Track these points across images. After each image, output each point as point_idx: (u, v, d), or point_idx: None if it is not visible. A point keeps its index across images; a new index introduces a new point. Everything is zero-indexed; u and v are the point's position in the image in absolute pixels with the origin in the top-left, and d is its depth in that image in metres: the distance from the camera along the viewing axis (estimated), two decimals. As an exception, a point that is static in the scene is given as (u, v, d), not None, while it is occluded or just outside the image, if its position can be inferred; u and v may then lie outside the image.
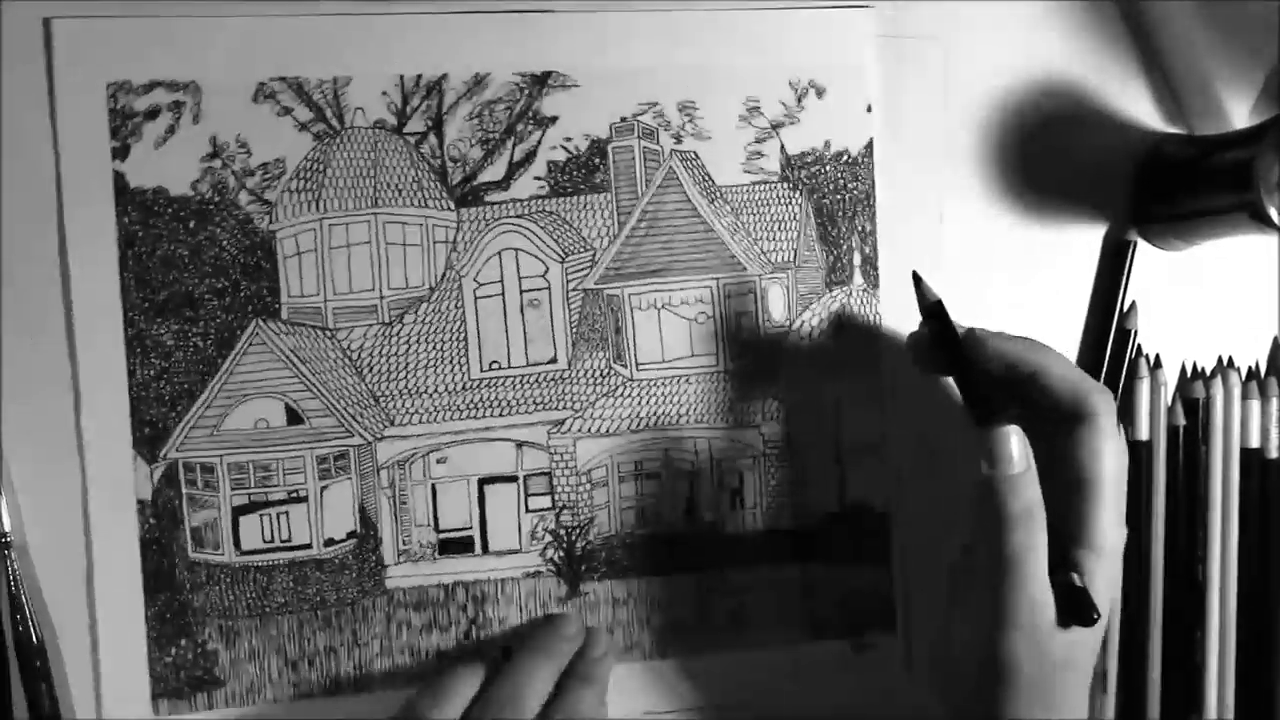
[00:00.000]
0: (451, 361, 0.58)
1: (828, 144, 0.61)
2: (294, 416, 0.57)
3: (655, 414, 0.60)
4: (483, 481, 0.59)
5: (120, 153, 0.55)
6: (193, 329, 0.56)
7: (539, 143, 0.58)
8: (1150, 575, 0.64)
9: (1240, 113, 0.63)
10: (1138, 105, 0.64)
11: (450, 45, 0.57)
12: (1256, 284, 0.66)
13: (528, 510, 0.59)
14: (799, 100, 0.60)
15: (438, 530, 0.58)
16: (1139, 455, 0.63)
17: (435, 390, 0.58)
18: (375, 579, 0.58)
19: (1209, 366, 0.66)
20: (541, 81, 0.58)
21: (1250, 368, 0.66)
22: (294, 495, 0.57)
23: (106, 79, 0.54)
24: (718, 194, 0.60)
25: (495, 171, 0.58)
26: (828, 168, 0.61)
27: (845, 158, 0.61)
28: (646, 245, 0.59)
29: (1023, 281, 0.64)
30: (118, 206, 0.55)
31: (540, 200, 0.58)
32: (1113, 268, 0.64)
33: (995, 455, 0.51)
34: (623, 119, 0.59)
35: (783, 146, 0.60)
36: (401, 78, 0.57)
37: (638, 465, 0.60)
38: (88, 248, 0.55)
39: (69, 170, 0.54)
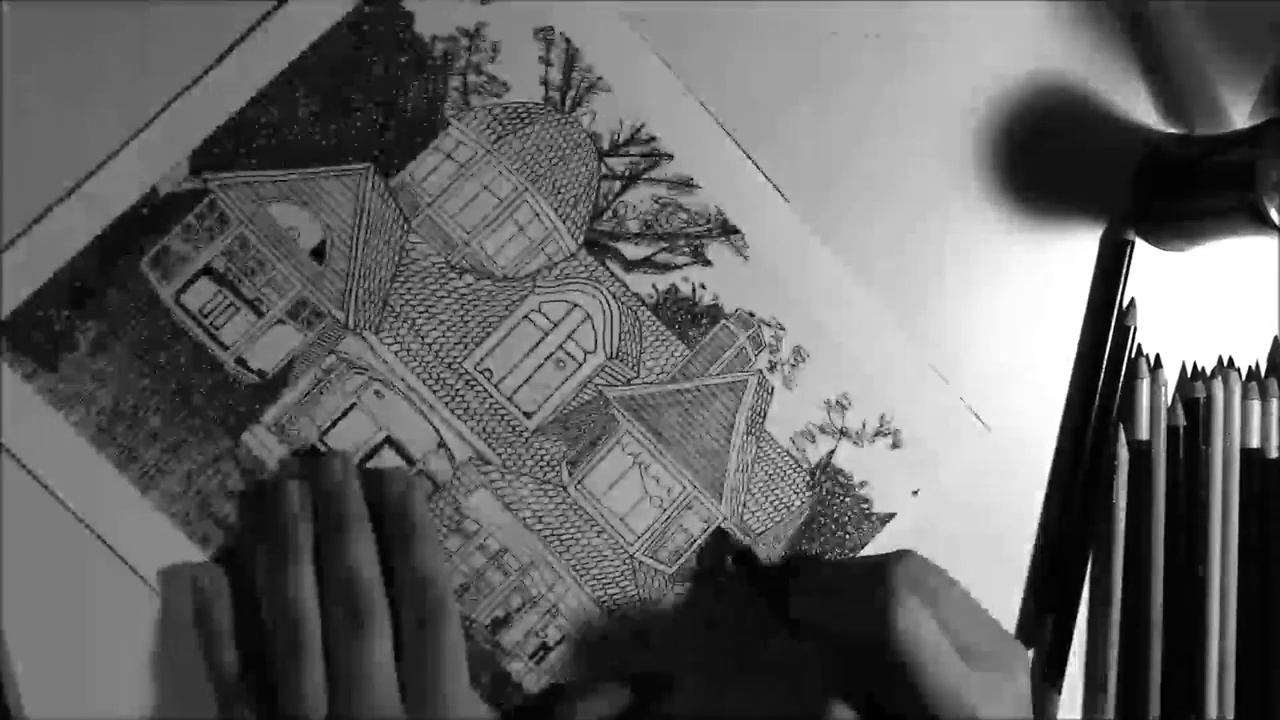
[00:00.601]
0: (462, 339, 0.58)
1: (864, 484, 0.62)
2: (320, 253, 0.57)
3: (558, 545, 0.59)
4: (378, 446, 0.58)
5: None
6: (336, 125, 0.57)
7: (681, 267, 0.60)
8: (1150, 575, 0.63)
9: (1240, 113, 0.63)
10: (1138, 105, 0.64)
11: (698, 139, 0.60)
12: (1256, 284, 0.66)
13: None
14: (874, 438, 0.62)
15: (322, 437, 0.57)
16: (1139, 455, 0.63)
17: (429, 343, 0.58)
18: (240, 426, 0.56)
19: (1209, 366, 0.66)
20: (726, 232, 0.60)
21: (1250, 368, 0.66)
22: (257, 305, 0.56)
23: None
24: (758, 433, 0.61)
25: (634, 252, 0.59)
26: (847, 500, 0.62)
27: (867, 508, 0.62)
28: (674, 413, 0.60)
29: (1022, 281, 0.64)
30: (371, -6, 0.56)
31: (640, 302, 0.59)
32: (1111, 267, 0.64)
33: None
34: (751, 314, 0.60)
35: (832, 453, 0.61)
36: (642, 126, 0.59)
37: (501, 550, 0.59)
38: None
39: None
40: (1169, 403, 0.65)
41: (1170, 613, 0.64)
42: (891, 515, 0.62)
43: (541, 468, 0.59)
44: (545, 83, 0.58)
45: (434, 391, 0.58)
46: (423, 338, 0.58)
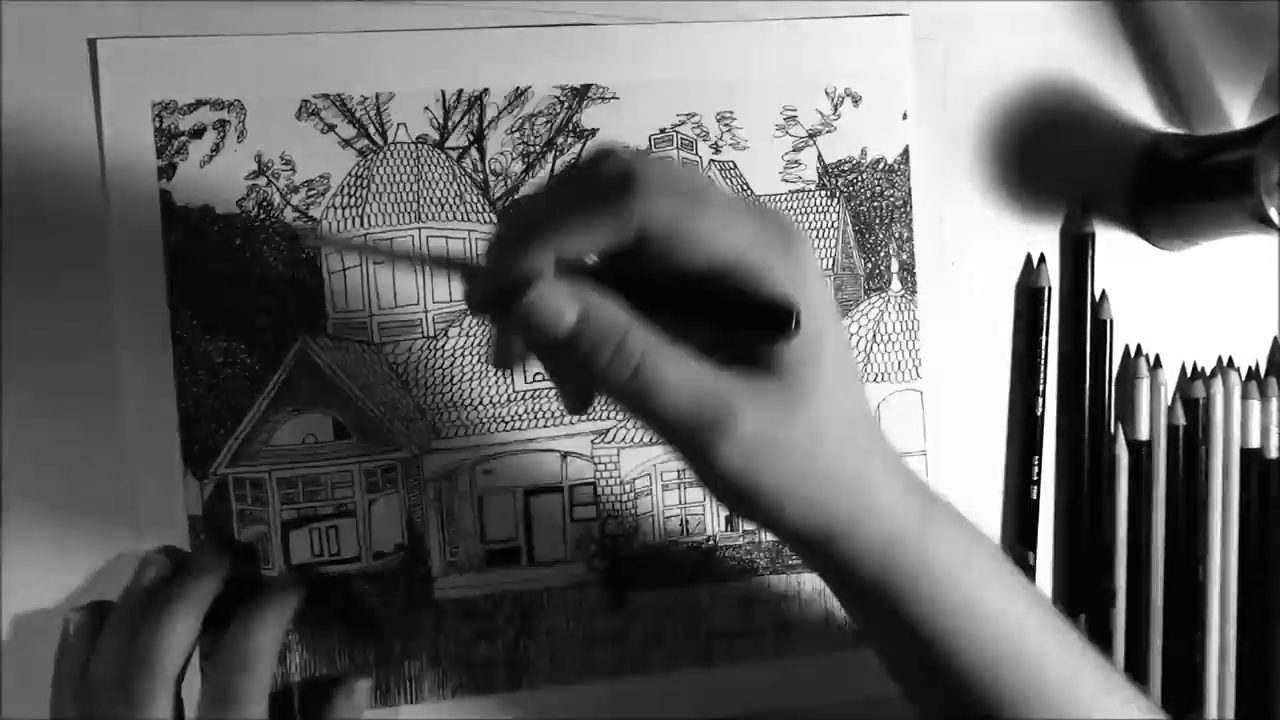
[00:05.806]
0: (496, 374, 0.58)
1: (864, 152, 0.61)
2: (341, 431, 0.57)
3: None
4: (528, 493, 0.59)
5: (166, 172, 0.55)
6: (240, 346, 0.56)
7: (579, 155, 0.59)
8: (1150, 575, 0.64)
9: (1240, 113, 0.63)
10: (1138, 105, 0.64)
11: (491, 60, 0.58)
12: (1256, 284, 0.67)
13: (573, 520, 0.59)
14: (835, 109, 0.61)
15: (484, 542, 0.59)
16: (1139, 455, 0.64)
17: (480, 403, 0.58)
18: (424, 591, 0.58)
19: (1209, 366, 0.66)
20: (581, 95, 0.58)
21: (1250, 368, 0.66)
22: (342, 509, 0.57)
23: (152, 98, 0.55)
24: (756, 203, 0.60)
25: (536, 184, 0.58)
26: (865, 175, 0.61)
27: (882, 165, 0.61)
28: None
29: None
30: (164, 225, 0.55)
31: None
32: (1078, 261, 0.64)
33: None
34: (661, 130, 0.59)
35: (820, 155, 0.61)
36: (443, 93, 0.57)
37: (680, 474, 0.60)
38: (135, 267, 0.55)
39: (115, 191, 0.55)
40: (1169, 403, 0.64)
41: (1170, 613, 0.64)
42: (906, 150, 0.61)
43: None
44: (342, 140, 0.56)
45: (520, 430, 0.58)
46: (468, 405, 0.58)
